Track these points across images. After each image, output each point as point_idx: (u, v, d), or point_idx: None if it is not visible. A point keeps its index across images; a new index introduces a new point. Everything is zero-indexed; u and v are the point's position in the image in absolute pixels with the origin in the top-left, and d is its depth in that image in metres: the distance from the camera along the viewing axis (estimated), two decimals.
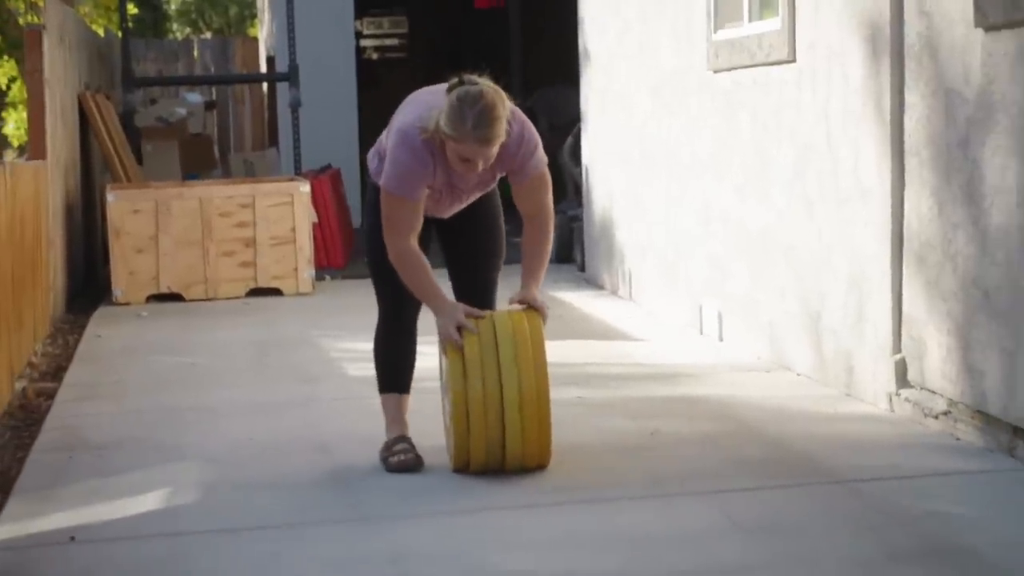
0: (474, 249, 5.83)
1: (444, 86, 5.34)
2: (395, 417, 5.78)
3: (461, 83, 5.24)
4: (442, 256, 5.86)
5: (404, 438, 5.72)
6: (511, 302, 5.49)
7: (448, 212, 5.70)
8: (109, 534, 5.02)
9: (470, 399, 5.24)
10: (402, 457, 5.61)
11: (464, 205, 5.70)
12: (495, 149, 5.24)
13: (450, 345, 5.32)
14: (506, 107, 5.24)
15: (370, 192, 5.69)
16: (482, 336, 5.31)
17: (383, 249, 5.47)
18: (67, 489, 5.64)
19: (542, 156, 5.53)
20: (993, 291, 5.62)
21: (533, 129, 5.52)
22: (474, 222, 5.77)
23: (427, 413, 5.89)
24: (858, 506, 5.05)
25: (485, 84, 5.25)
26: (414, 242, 5.41)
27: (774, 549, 4.63)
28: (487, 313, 5.48)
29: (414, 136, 5.31)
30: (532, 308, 5.46)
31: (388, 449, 5.69)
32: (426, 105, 5.39)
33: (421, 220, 5.43)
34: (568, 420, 6.01)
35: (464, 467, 5.39)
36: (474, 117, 5.12)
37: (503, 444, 5.29)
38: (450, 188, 5.53)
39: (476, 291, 5.75)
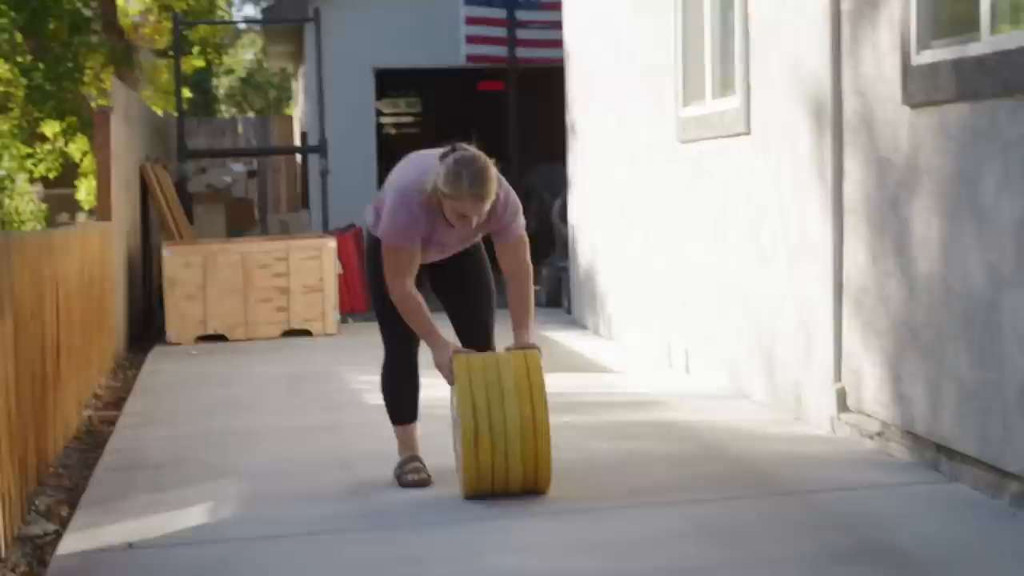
0: (469, 296, 5.72)
1: (436, 151, 5.35)
2: (406, 442, 5.73)
3: (455, 149, 5.25)
4: (442, 306, 5.77)
5: (416, 457, 5.68)
6: (508, 350, 5.40)
7: (431, 259, 5.59)
8: (163, 541, 5.00)
9: (480, 433, 5.13)
10: (414, 476, 5.58)
11: (447, 254, 5.60)
12: (487, 206, 5.20)
13: (458, 380, 5.21)
14: (495, 171, 5.22)
15: (368, 243, 5.64)
16: (488, 375, 5.21)
17: (383, 295, 5.45)
18: (126, 503, 5.62)
19: (523, 220, 5.51)
20: (919, 329, 5.62)
21: (516, 198, 5.49)
22: (466, 274, 5.69)
23: (436, 435, 5.83)
24: (805, 514, 5.03)
25: (476, 150, 5.25)
26: (413, 288, 5.35)
27: (733, 551, 4.61)
28: (485, 354, 5.41)
29: (412, 197, 5.28)
30: (529, 349, 5.37)
31: (401, 467, 5.65)
32: (421, 168, 5.34)
33: (417, 266, 5.38)
34: (559, 442, 5.97)
35: (474, 494, 5.26)
36: (470, 177, 5.11)
37: (507, 471, 5.19)
38: (439, 243, 5.47)
39: (476, 334, 5.66)
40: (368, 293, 5.72)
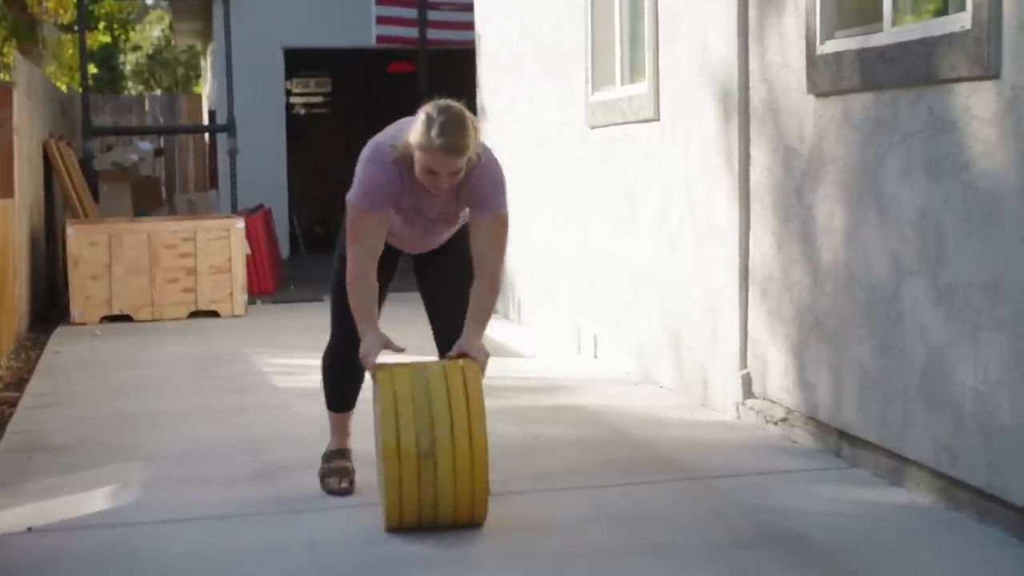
0: (450, 287, 5.14)
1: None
2: (339, 431, 5.35)
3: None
4: (421, 300, 5.28)
5: (343, 452, 5.32)
6: (454, 349, 4.77)
7: (415, 246, 5.10)
8: (64, 525, 4.95)
9: (402, 451, 4.46)
10: (336, 485, 5.21)
11: (431, 241, 5.08)
12: (461, 162, 4.59)
13: (382, 393, 4.55)
14: (474, 127, 4.64)
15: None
16: (415, 385, 4.54)
17: (343, 274, 4.89)
18: (27, 486, 5.56)
19: (506, 200, 4.86)
20: (823, 317, 5.69)
21: (502, 171, 4.90)
22: (447, 264, 5.15)
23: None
24: (709, 499, 5.08)
25: (456, 103, 4.67)
26: (372, 264, 4.76)
27: (638, 536, 4.64)
28: (415, 363, 4.71)
29: (384, 152, 4.72)
30: (470, 358, 4.69)
31: (328, 462, 5.31)
32: (400, 125, 4.81)
33: (383, 237, 4.80)
34: None
35: (397, 525, 4.61)
36: (440, 125, 4.52)
37: (436, 502, 4.53)
38: (416, 212, 4.88)
39: (454, 323, 4.96)
40: (334, 266, 5.09)
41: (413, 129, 4.61)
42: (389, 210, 4.78)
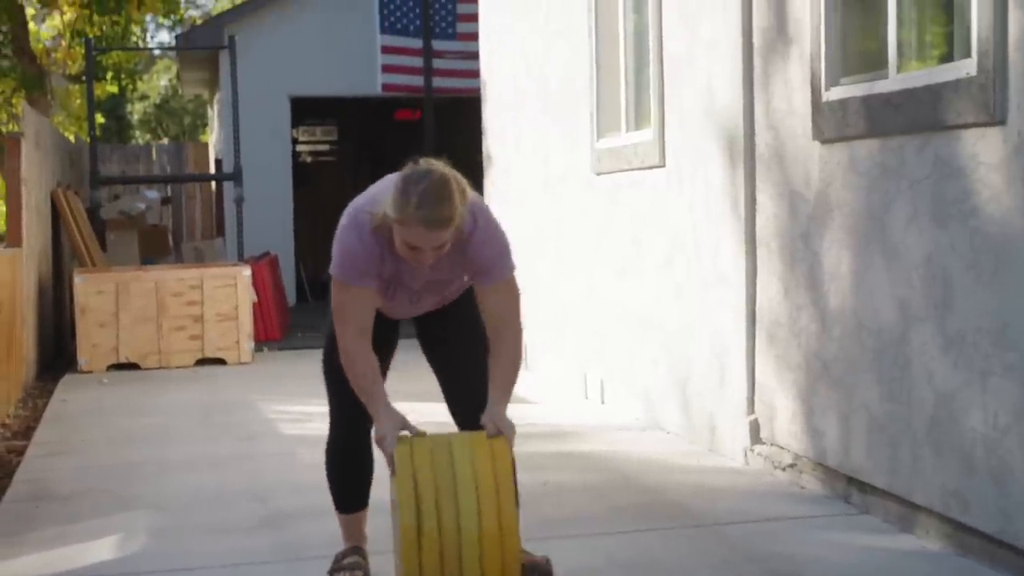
0: (457, 353, 4.55)
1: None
2: (350, 531, 4.66)
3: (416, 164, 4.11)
4: (432, 371, 4.66)
5: (357, 549, 4.63)
6: (482, 422, 4.19)
7: (401, 313, 4.50)
8: (72, 575, 4.91)
9: (423, 535, 3.94)
10: (346, 574, 4.55)
11: (420, 311, 4.52)
12: (445, 235, 4.00)
13: (399, 471, 3.99)
14: (462, 191, 4.04)
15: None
16: (438, 463, 4.01)
17: (335, 352, 4.31)
18: (35, 535, 5.54)
19: (511, 262, 4.28)
20: (831, 362, 5.67)
21: (501, 230, 4.28)
22: (455, 325, 4.54)
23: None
24: (718, 546, 5.05)
25: (438, 164, 4.08)
26: (365, 341, 4.18)
27: None
28: (437, 436, 4.15)
29: (363, 220, 4.14)
30: (496, 432, 4.14)
31: (337, 562, 4.60)
32: (382, 187, 4.23)
33: (372, 313, 4.22)
34: None
35: None
36: (419, 195, 3.92)
37: None
38: (398, 284, 4.31)
39: (469, 400, 4.39)
40: (324, 347, 4.52)
41: (389, 198, 4.03)
42: (373, 282, 4.21)
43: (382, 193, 4.14)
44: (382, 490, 4.38)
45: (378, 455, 4.24)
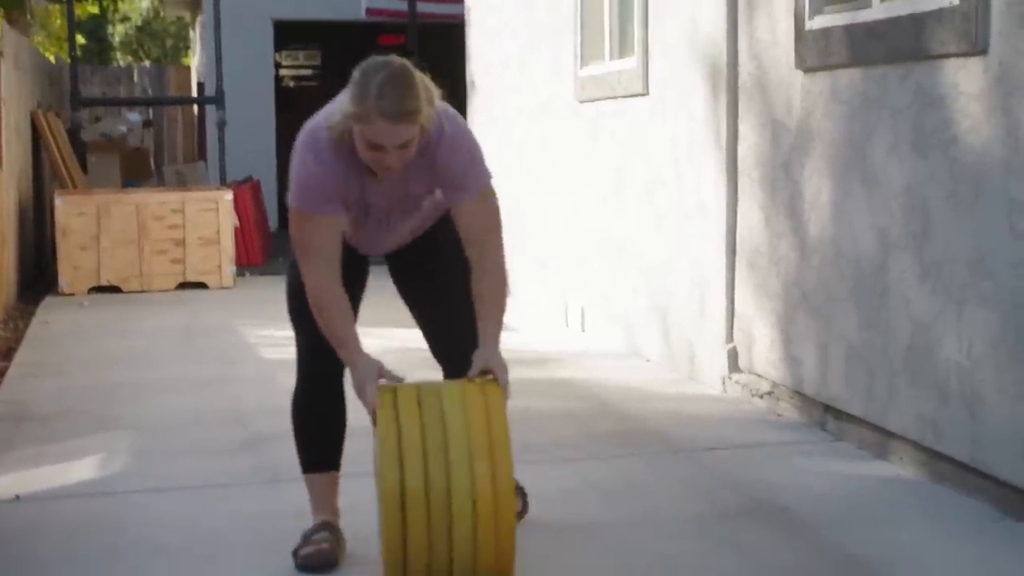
0: (440, 289, 4.09)
1: None
2: (320, 502, 4.10)
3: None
4: (410, 312, 4.23)
5: (328, 525, 4.04)
6: (474, 365, 3.74)
7: (371, 248, 4.06)
8: (51, 494, 4.95)
9: (408, 496, 3.45)
10: (308, 550, 3.94)
11: (391, 241, 4.06)
12: (410, 132, 3.57)
13: (381, 423, 3.52)
14: (427, 88, 3.63)
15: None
16: (426, 415, 3.53)
17: (300, 292, 3.83)
18: (14, 454, 5.57)
19: (486, 172, 3.84)
20: (810, 292, 5.71)
21: (472, 138, 3.85)
22: (431, 264, 4.11)
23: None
24: (695, 472, 5.10)
25: (400, 58, 3.66)
26: (334, 278, 3.72)
27: (624, 509, 4.66)
28: (424, 384, 3.69)
29: (320, 137, 3.70)
30: (490, 377, 3.70)
31: (304, 540, 4.01)
32: (339, 102, 3.72)
33: (339, 245, 3.76)
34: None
35: None
36: (378, 85, 3.51)
37: (450, 558, 3.51)
38: (363, 209, 3.86)
39: (453, 344, 4.00)
40: (287, 285, 4.06)
41: (348, 97, 3.61)
42: (339, 209, 3.76)
43: (338, 107, 3.70)
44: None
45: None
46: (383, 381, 3.65)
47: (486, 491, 3.47)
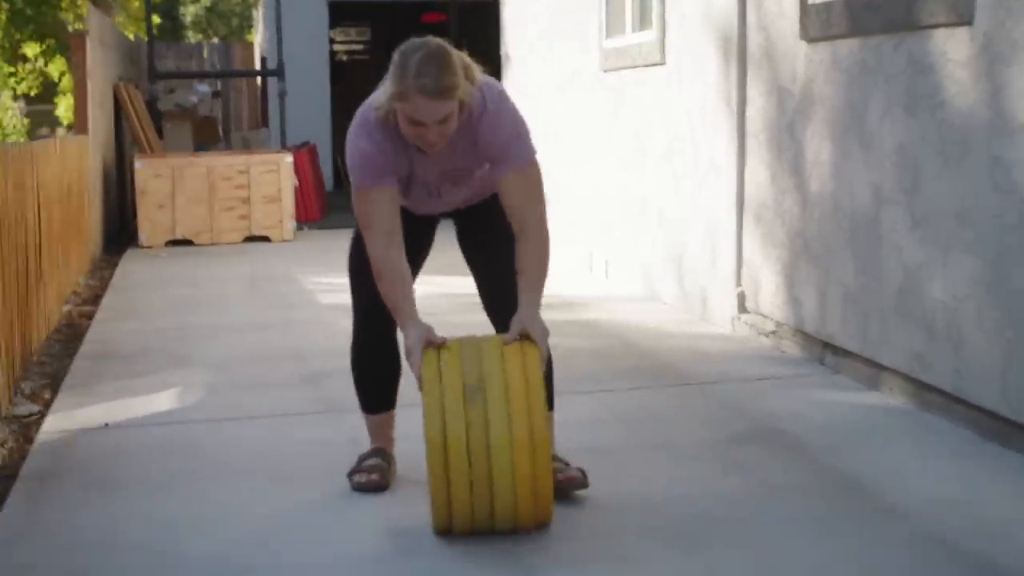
0: (494, 251, 3.90)
1: None
2: (376, 433, 4.14)
3: None
4: (471, 273, 4.07)
5: (381, 451, 4.09)
6: (512, 328, 3.61)
7: (426, 208, 3.93)
8: (135, 422, 5.01)
9: (450, 446, 3.39)
10: (361, 478, 3.99)
11: (448, 203, 3.91)
12: (448, 107, 3.46)
13: (425, 382, 3.45)
14: (465, 66, 3.53)
15: None
16: (466, 369, 3.47)
17: (360, 255, 3.83)
18: (102, 388, 5.63)
19: (529, 146, 3.68)
20: (811, 241, 5.69)
21: (516, 112, 3.69)
22: (491, 223, 3.88)
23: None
24: (707, 402, 5.12)
25: (434, 38, 3.56)
26: (393, 247, 3.62)
27: (644, 434, 4.68)
28: (466, 340, 3.59)
29: (368, 117, 3.63)
30: (527, 339, 3.55)
31: (359, 463, 4.06)
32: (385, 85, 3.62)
33: (398, 214, 3.66)
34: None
35: (447, 529, 3.54)
36: (416, 63, 3.42)
37: (492, 500, 3.45)
38: (411, 181, 3.76)
39: (504, 300, 3.78)
40: (351, 243, 3.98)
41: (389, 78, 3.52)
42: (393, 182, 3.66)
43: (383, 89, 3.60)
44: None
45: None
46: (430, 344, 3.54)
47: (523, 437, 3.40)
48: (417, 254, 3.98)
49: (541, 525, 3.57)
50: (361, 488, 3.97)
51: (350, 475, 4.04)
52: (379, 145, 3.61)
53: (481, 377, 3.45)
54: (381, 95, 3.59)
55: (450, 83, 3.43)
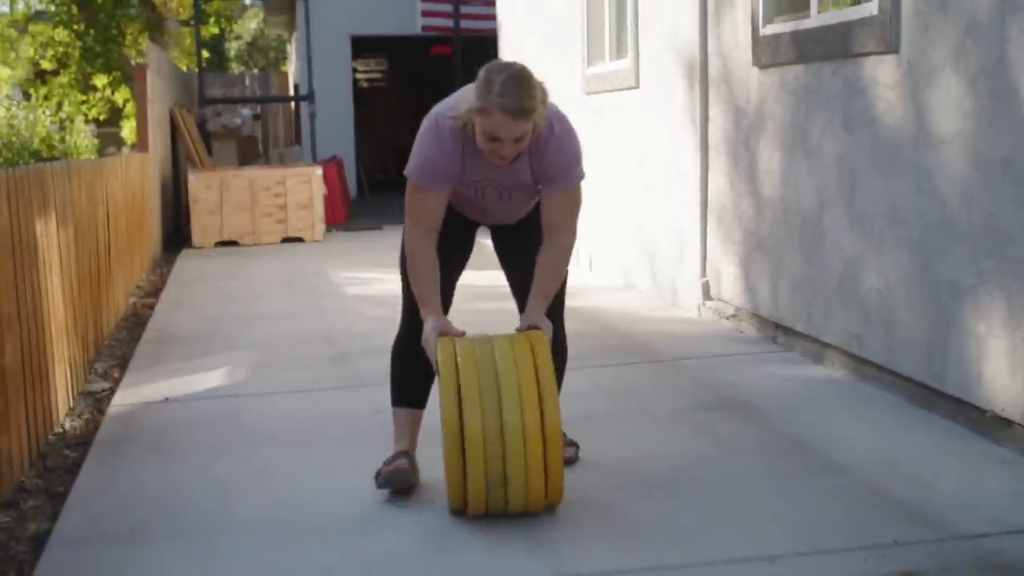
0: (528, 259, 3.57)
1: None
2: (401, 434, 3.72)
3: None
4: (506, 277, 3.83)
5: (405, 453, 3.65)
6: (521, 323, 3.47)
7: (493, 216, 3.64)
8: (191, 396, 5.01)
9: (467, 430, 3.15)
10: (389, 468, 3.55)
11: (510, 214, 3.64)
12: (525, 127, 3.23)
13: (442, 371, 3.23)
14: (543, 90, 3.29)
15: None
16: (481, 360, 3.24)
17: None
18: (162, 367, 5.63)
19: (581, 171, 3.47)
20: (764, 238, 5.69)
21: (578, 140, 3.47)
22: (529, 234, 3.61)
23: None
24: (678, 376, 5.11)
25: (517, 62, 3.34)
26: (429, 243, 3.41)
27: (624, 404, 4.68)
28: (479, 337, 3.37)
29: (444, 125, 3.35)
30: (536, 329, 3.39)
31: (385, 464, 3.61)
32: (466, 93, 3.39)
33: (441, 215, 3.43)
34: (478, 326, 6.02)
35: (461, 509, 3.32)
36: (501, 83, 3.19)
37: (505, 483, 3.20)
38: (489, 183, 3.46)
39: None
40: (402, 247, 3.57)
41: (474, 92, 3.27)
42: (447, 188, 3.41)
43: (464, 98, 3.34)
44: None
45: None
46: (445, 334, 3.35)
47: (535, 424, 3.16)
48: (461, 253, 3.72)
49: (551, 506, 3.33)
50: (387, 479, 3.52)
51: (377, 474, 3.58)
52: (447, 154, 3.34)
53: (495, 367, 3.22)
54: (458, 104, 3.35)
55: (530, 105, 3.20)
